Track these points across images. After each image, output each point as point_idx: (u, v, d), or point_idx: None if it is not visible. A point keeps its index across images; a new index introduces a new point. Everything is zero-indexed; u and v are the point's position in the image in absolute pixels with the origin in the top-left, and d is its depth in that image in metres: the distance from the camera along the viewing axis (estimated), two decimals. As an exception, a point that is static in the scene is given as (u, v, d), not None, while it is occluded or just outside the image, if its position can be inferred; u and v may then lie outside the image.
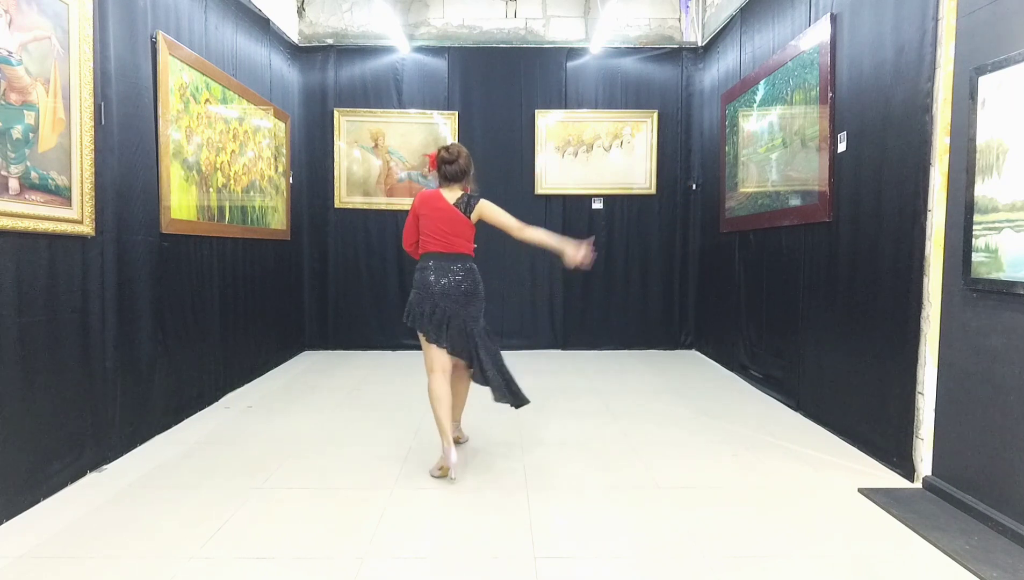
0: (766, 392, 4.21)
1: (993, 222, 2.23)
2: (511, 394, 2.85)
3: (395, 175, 5.76)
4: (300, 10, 5.68)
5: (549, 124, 5.77)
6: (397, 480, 2.69)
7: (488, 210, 2.79)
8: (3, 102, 2.27)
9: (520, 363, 5.21)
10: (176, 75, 3.43)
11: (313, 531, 2.22)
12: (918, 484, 2.63)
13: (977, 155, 2.31)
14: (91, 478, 2.68)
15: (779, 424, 3.53)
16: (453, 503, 2.49)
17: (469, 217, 2.78)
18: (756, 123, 4.40)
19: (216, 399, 3.94)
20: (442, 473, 2.70)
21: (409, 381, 4.50)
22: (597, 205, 5.83)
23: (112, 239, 2.90)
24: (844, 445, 3.15)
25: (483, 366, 2.80)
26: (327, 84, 5.70)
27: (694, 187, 5.81)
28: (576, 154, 5.79)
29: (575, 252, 2.72)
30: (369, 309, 5.82)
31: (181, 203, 3.51)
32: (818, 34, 3.47)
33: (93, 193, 2.73)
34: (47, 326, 2.49)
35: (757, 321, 4.44)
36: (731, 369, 4.95)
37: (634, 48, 5.77)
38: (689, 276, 5.90)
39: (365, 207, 5.75)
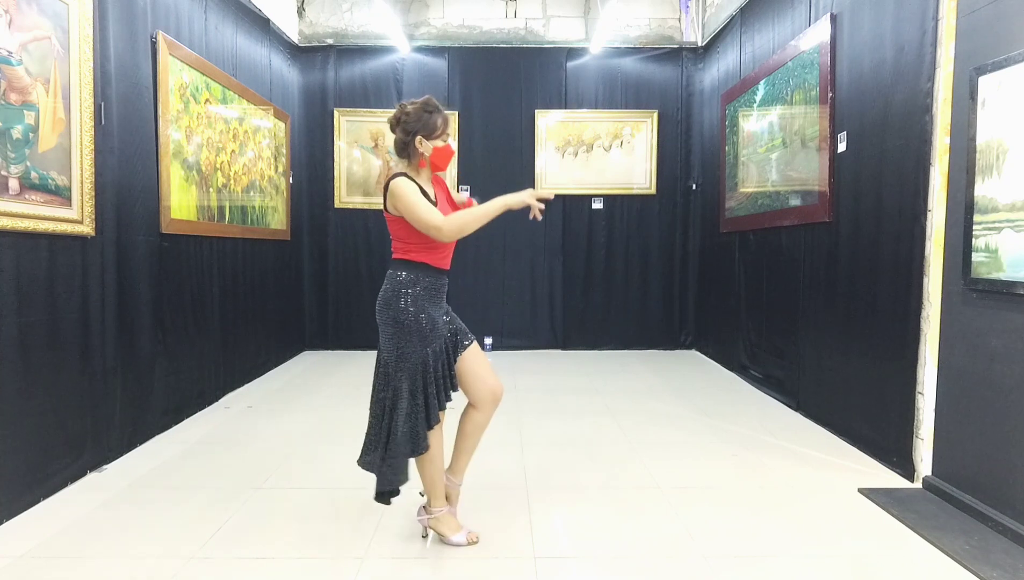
0: (766, 392, 4.21)
1: (993, 222, 2.23)
2: (378, 471, 2.01)
3: (395, 175, 5.75)
4: (300, 10, 5.68)
5: (549, 124, 5.77)
6: (397, 480, 2.69)
7: (394, 193, 1.90)
8: (3, 102, 2.27)
9: (520, 363, 5.22)
10: (176, 75, 3.43)
11: (313, 531, 2.22)
12: (918, 484, 2.63)
13: (977, 155, 2.31)
14: (91, 478, 2.68)
15: (779, 424, 3.53)
16: (453, 503, 2.49)
17: (386, 207, 2.00)
18: (756, 123, 4.40)
19: (216, 399, 3.94)
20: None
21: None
22: (597, 205, 5.83)
23: (112, 239, 2.90)
24: (844, 445, 3.15)
25: (372, 422, 2.05)
26: (327, 84, 5.70)
27: (694, 187, 5.81)
28: (576, 154, 5.79)
29: (525, 197, 1.96)
30: (369, 309, 5.74)
31: (181, 203, 3.51)
32: (818, 34, 3.47)
33: (93, 193, 2.73)
34: (47, 326, 2.49)
35: (757, 321, 4.44)
36: (731, 369, 4.95)
37: (634, 48, 5.77)
38: (689, 276, 5.90)
39: (365, 207, 5.75)
